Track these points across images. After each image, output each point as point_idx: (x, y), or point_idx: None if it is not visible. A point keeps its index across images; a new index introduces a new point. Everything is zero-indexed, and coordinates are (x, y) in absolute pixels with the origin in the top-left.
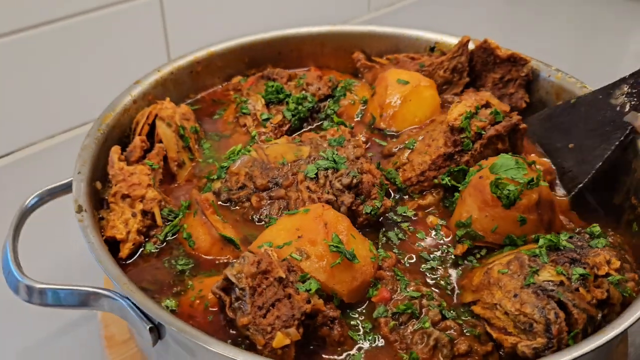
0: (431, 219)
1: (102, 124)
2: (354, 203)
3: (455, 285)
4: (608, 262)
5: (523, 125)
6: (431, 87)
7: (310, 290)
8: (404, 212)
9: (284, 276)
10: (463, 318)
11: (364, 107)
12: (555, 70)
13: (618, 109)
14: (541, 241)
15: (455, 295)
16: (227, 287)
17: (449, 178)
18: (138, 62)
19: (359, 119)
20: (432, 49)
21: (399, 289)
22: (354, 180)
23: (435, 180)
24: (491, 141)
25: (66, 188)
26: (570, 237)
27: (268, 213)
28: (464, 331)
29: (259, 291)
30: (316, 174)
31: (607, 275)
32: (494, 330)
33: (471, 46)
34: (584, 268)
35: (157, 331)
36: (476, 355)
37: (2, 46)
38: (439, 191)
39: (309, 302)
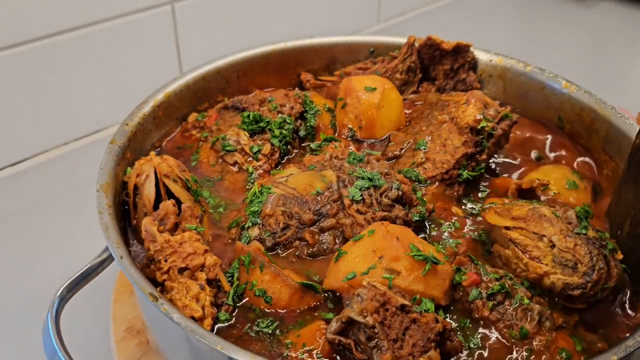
0: (455, 209)
1: (107, 195)
2: (405, 214)
3: None
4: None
5: (515, 118)
6: (394, 89)
7: (428, 310)
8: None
9: (406, 303)
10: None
11: (330, 114)
12: (495, 54)
13: None
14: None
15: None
16: (344, 329)
17: (467, 171)
18: (150, 73)
19: (331, 127)
20: (371, 52)
21: (482, 273)
22: (400, 193)
23: (459, 178)
24: (498, 140)
25: (84, 278)
26: None
27: (327, 246)
28: (552, 306)
29: (387, 324)
30: (361, 195)
31: None
32: (527, 256)
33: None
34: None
35: None
36: (568, 326)
37: (14, 56)
38: (459, 188)
39: (437, 321)
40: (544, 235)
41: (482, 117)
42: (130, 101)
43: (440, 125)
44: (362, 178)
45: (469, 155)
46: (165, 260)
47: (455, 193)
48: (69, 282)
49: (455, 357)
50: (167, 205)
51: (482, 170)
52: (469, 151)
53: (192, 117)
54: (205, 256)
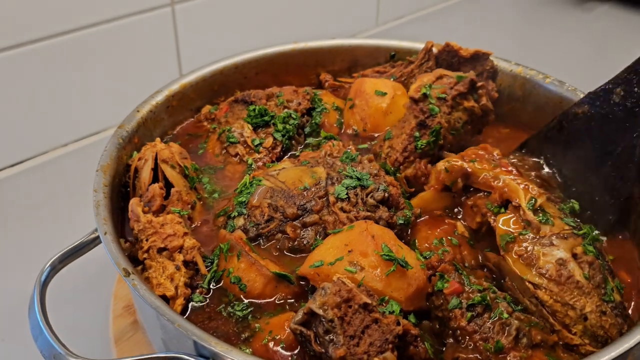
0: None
1: (105, 175)
2: (389, 216)
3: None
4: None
5: (481, 83)
6: (404, 95)
7: (394, 312)
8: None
9: (369, 302)
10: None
11: (338, 112)
12: (515, 64)
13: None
14: (586, 231)
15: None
16: (307, 321)
17: (426, 141)
18: (150, 75)
19: (337, 125)
20: (392, 57)
21: (465, 283)
22: (386, 194)
23: (418, 150)
24: (457, 102)
25: (76, 252)
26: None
27: (308, 241)
28: (531, 323)
29: (346, 320)
30: (347, 194)
31: None
32: (557, 322)
33: (434, 50)
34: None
35: None
36: (545, 346)
37: (15, 58)
38: (426, 161)
39: (398, 323)
40: (577, 308)
41: (422, 86)
42: (130, 103)
43: (406, 115)
44: (351, 177)
45: (418, 124)
46: (147, 240)
47: (422, 173)
48: (60, 254)
49: None
50: (154, 187)
51: (440, 139)
52: (417, 121)
53: (206, 109)
54: (185, 239)
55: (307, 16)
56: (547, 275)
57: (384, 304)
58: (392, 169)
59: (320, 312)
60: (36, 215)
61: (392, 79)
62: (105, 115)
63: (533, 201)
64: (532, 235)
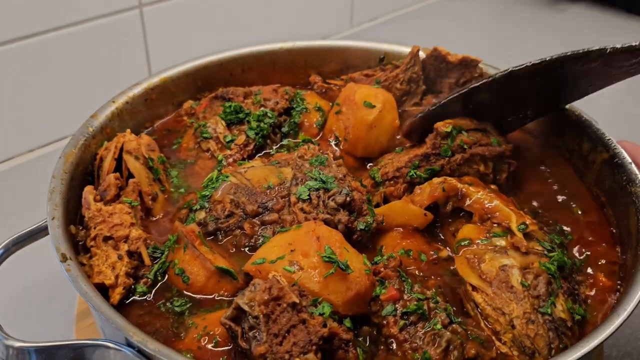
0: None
1: (66, 162)
2: (349, 220)
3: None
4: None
5: (513, 162)
6: (393, 110)
7: (324, 314)
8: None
9: (297, 301)
10: (463, 327)
11: (319, 113)
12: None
13: None
14: (555, 255)
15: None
16: (237, 317)
17: (415, 171)
18: (119, 77)
19: (317, 126)
20: (381, 60)
21: (405, 290)
22: (347, 199)
23: (408, 177)
24: (473, 159)
25: (31, 236)
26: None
27: (264, 240)
28: (469, 336)
29: (272, 318)
30: (309, 195)
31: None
32: (487, 327)
33: (422, 54)
34: (580, 306)
35: None
36: None
37: None
38: (402, 186)
39: (325, 325)
40: (507, 314)
41: (451, 124)
42: (99, 105)
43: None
44: (315, 179)
45: (423, 156)
46: (94, 228)
47: (396, 194)
48: (15, 236)
49: None
50: (110, 177)
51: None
52: (425, 152)
53: (187, 104)
54: (131, 229)
55: (280, 17)
56: (484, 278)
57: (317, 306)
58: (380, 179)
59: (246, 307)
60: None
61: (376, 82)
62: (73, 119)
63: (524, 226)
64: (488, 243)
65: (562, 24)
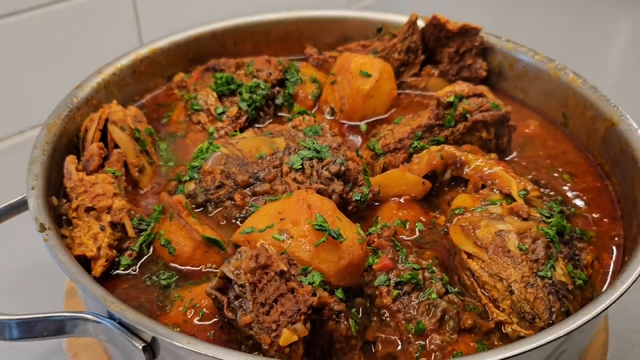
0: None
1: (49, 133)
2: (344, 191)
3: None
4: (592, 262)
5: (514, 124)
6: (390, 80)
7: (314, 283)
8: None
9: (285, 269)
10: (460, 297)
11: (315, 85)
12: (505, 41)
13: None
14: (554, 220)
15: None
16: (224, 286)
17: (419, 142)
18: (109, 50)
19: (312, 98)
20: (379, 30)
21: (400, 260)
22: (342, 168)
23: (411, 149)
24: (475, 127)
25: (12, 209)
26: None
27: (255, 211)
28: (466, 307)
29: (259, 287)
30: (302, 164)
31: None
32: (484, 295)
33: (421, 24)
34: (582, 271)
35: (151, 350)
36: (479, 332)
37: None
38: (406, 156)
39: (314, 295)
40: (504, 279)
41: (453, 93)
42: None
43: (425, 110)
44: (308, 148)
45: (426, 127)
46: (76, 198)
47: (394, 164)
48: None
49: (337, 342)
50: (92, 147)
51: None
52: (428, 123)
53: (179, 76)
54: (114, 199)
55: None
56: (480, 244)
57: (307, 275)
58: (380, 151)
59: (232, 276)
60: None
61: (373, 53)
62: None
63: (524, 192)
64: (483, 211)
65: None
